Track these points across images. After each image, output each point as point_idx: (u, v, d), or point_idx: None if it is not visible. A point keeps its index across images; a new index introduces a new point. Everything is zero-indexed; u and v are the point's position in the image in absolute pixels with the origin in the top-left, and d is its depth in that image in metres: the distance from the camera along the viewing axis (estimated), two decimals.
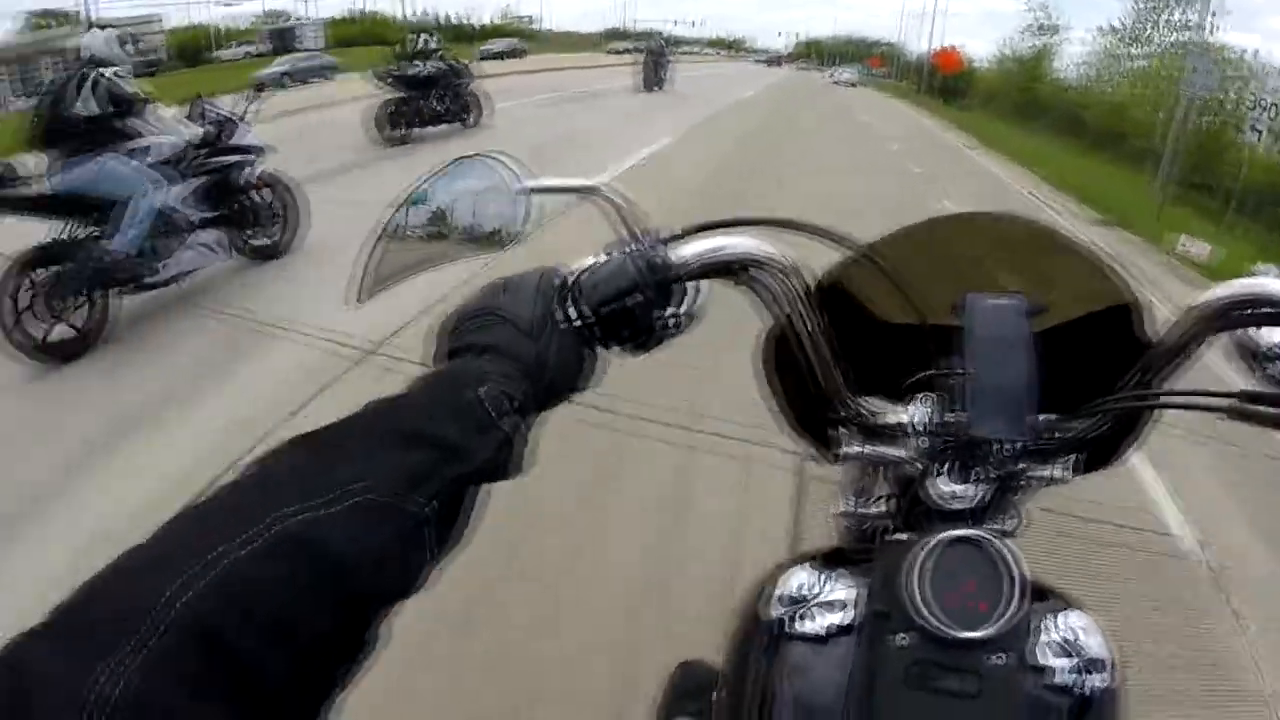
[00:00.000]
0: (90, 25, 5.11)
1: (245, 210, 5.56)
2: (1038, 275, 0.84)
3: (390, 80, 11.61)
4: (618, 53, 48.80)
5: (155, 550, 0.45)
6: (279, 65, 28.36)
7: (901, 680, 0.61)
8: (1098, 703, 0.64)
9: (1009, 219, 0.92)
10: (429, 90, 11.93)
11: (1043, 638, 0.65)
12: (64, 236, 4.52)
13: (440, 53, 12.47)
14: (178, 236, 4.92)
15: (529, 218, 0.78)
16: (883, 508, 0.89)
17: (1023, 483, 0.82)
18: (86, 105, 4.51)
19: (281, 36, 42.32)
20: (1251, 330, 0.73)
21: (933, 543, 0.67)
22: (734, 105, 21.83)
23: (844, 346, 0.81)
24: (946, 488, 0.77)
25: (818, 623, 0.69)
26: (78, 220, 4.58)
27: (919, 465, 0.79)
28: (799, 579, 0.73)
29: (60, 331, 4.33)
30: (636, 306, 0.70)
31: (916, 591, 0.64)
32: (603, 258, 0.73)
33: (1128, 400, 0.76)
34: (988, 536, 0.67)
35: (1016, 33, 40.18)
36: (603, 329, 0.70)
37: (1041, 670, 0.64)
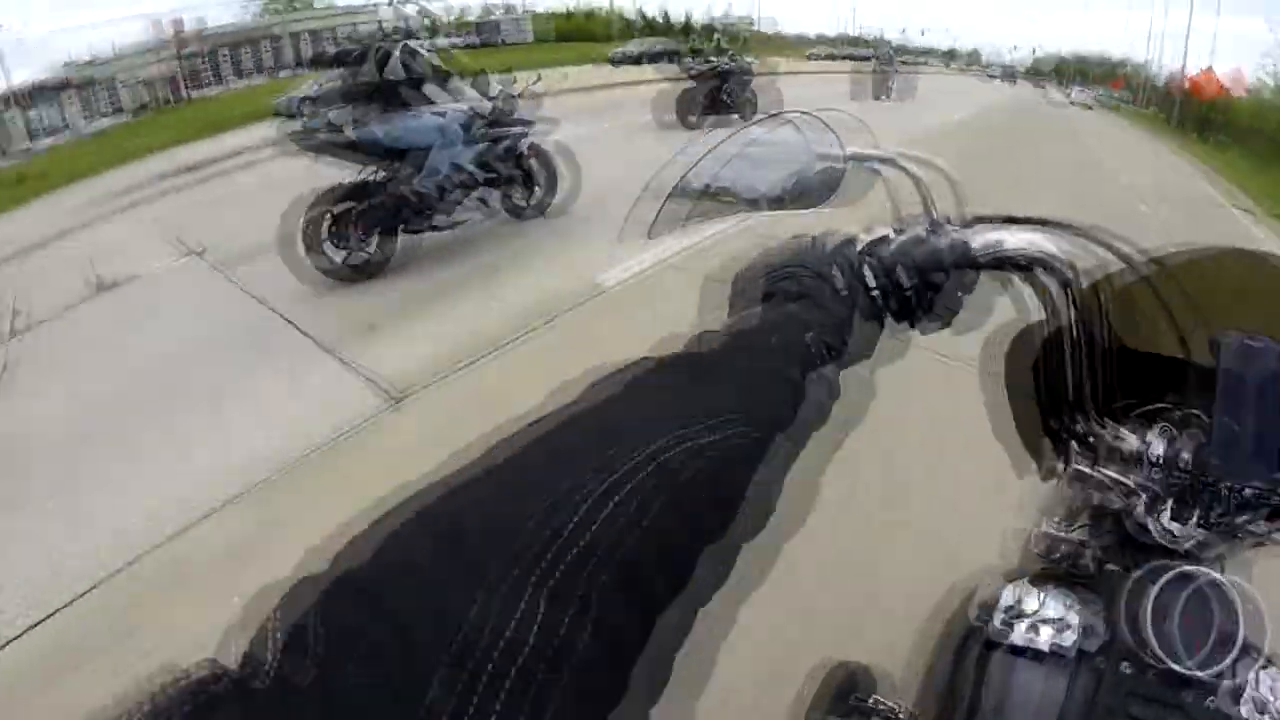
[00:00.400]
0: (391, 2, 5.90)
1: (515, 175, 6.18)
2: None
3: (694, 73, 12.59)
4: (818, 58, 44.13)
5: (538, 476, 0.43)
6: None
7: (1121, 708, 0.63)
8: None
9: (1273, 260, 0.89)
10: (722, 84, 12.68)
11: (1253, 690, 0.66)
12: (362, 179, 5.30)
13: (731, 52, 13.41)
14: (463, 190, 5.59)
15: (841, 183, 0.78)
16: (1083, 535, 0.87)
17: (1239, 535, 0.81)
18: (394, 71, 5.22)
19: (480, 30, 42.12)
20: None
21: (1169, 577, 0.68)
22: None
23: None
24: (1170, 526, 0.76)
25: (1041, 638, 0.70)
26: (375, 165, 5.29)
27: (1141, 497, 0.78)
28: (1018, 593, 0.74)
29: (355, 258, 5.16)
30: (934, 287, 0.70)
31: (1146, 623, 0.65)
32: (899, 228, 0.72)
33: None
34: (1229, 580, 0.68)
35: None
36: (898, 303, 0.70)
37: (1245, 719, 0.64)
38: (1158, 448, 0.77)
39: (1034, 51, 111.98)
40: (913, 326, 0.72)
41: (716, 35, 13.54)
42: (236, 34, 22.67)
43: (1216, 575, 0.68)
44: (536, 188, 6.52)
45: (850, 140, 0.79)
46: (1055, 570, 0.81)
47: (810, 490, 0.62)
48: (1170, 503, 0.76)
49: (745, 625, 2.12)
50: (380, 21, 5.76)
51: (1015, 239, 0.72)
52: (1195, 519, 0.74)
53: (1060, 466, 0.84)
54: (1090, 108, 54.93)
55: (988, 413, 0.90)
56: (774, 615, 2.34)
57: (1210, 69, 32.80)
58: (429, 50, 5.58)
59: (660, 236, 0.80)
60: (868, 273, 0.68)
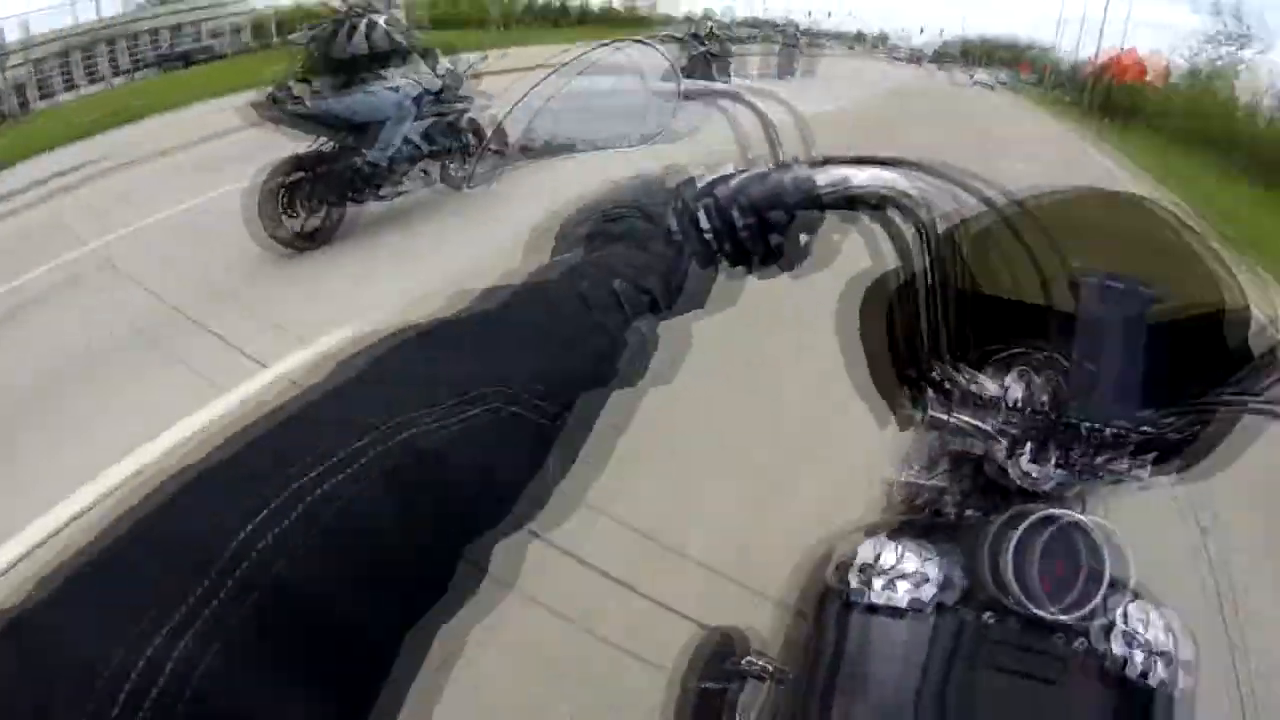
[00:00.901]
0: None
1: (455, 148, 6.52)
2: (1157, 266, 0.82)
3: (690, 55, 14.68)
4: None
5: (222, 478, 0.37)
6: None
7: (981, 658, 0.62)
8: (1171, 696, 0.65)
9: (1137, 202, 0.90)
10: (710, 64, 14.94)
11: (1124, 627, 0.66)
12: (314, 150, 5.62)
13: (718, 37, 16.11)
14: (409, 162, 5.92)
15: (673, 116, 0.76)
16: (943, 482, 0.88)
17: (1102, 474, 0.83)
18: (358, 46, 5.50)
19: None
20: None
21: (1028, 523, 0.67)
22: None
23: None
24: (1029, 469, 0.76)
25: (898, 594, 0.69)
26: (332, 137, 5.62)
27: (1002, 442, 0.77)
28: (874, 549, 0.73)
29: (309, 224, 5.52)
30: (775, 224, 0.68)
31: (1007, 571, 0.64)
32: (742, 169, 0.70)
33: (1247, 401, 0.75)
34: (1090, 521, 0.67)
35: (1199, 42, 34.10)
36: (733, 244, 0.68)
37: (1121, 661, 0.64)
38: (1016, 391, 0.78)
39: (941, 34, 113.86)
40: (749, 271, 0.70)
41: (709, 24, 15.91)
42: (86, 33, 19.92)
43: (1077, 516, 0.68)
44: (471, 160, 6.83)
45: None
46: (915, 522, 0.80)
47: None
48: (1029, 446, 0.76)
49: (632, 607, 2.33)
50: None
51: (865, 175, 0.70)
52: (1054, 461, 0.75)
53: (918, 415, 0.84)
54: (993, 88, 56.85)
55: (844, 363, 0.89)
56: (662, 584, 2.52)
57: (1134, 50, 33.00)
58: (389, 25, 5.81)
59: (479, 186, 1.03)
60: (701, 214, 0.66)
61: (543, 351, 0.49)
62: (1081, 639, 0.63)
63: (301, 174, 5.43)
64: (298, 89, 5.58)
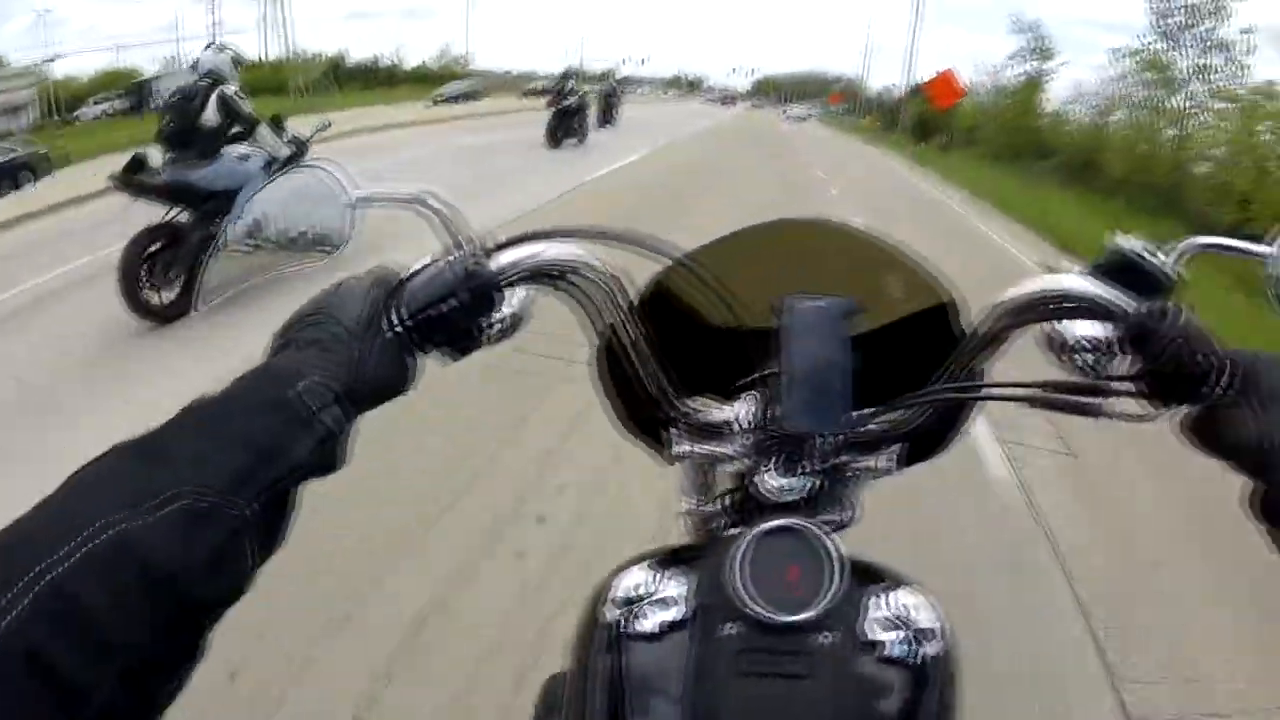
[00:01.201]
0: (209, 45, 6.24)
1: None
2: (857, 279, 0.89)
3: (557, 110, 17.49)
4: (535, 93, 45.61)
5: None
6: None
7: (732, 667, 0.65)
8: (930, 671, 0.70)
9: (830, 225, 0.98)
10: (573, 116, 17.75)
11: (871, 614, 0.70)
12: (171, 220, 5.70)
13: (580, 93, 18.17)
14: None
15: (355, 227, 0.80)
16: (716, 506, 0.94)
17: (850, 475, 0.89)
18: (210, 116, 5.64)
19: (141, 90, 36.00)
20: (1059, 324, 0.78)
21: (751, 534, 0.71)
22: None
23: (676, 349, 0.87)
24: (775, 482, 0.82)
25: (651, 621, 0.72)
26: (186, 208, 5.72)
27: (746, 461, 0.84)
28: (633, 579, 0.76)
29: (166, 297, 5.54)
30: (452, 312, 0.72)
31: (739, 581, 0.67)
32: (428, 262, 0.75)
33: (936, 393, 0.82)
34: (803, 524, 0.72)
35: (1004, 60, 38.13)
36: (419, 334, 0.72)
37: (872, 645, 0.69)
38: (744, 413, 0.84)
39: (752, 74, 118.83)
40: (458, 353, 0.76)
41: (571, 82, 17.76)
42: None
43: (800, 522, 0.72)
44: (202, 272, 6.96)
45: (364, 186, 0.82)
46: (682, 548, 0.84)
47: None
48: (772, 460, 0.82)
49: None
50: (195, 65, 6.17)
51: (533, 251, 0.77)
52: (798, 471, 0.81)
53: (667, 452, 0.91)
54: (805, 119, 63.37)
55: (609, 419, 0.95)
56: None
57: (949, 71, 33.06)
58: (238, 95, 5.95)
59: (210, 303, 0.81)
60: (392, 311, 0.71)
61: (226, 455, 0.54)
62: (827, 634, 0.66)
63: (163, 245, 5.49)
64: (153, 160, 5.68)
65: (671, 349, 0.87)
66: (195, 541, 0.50)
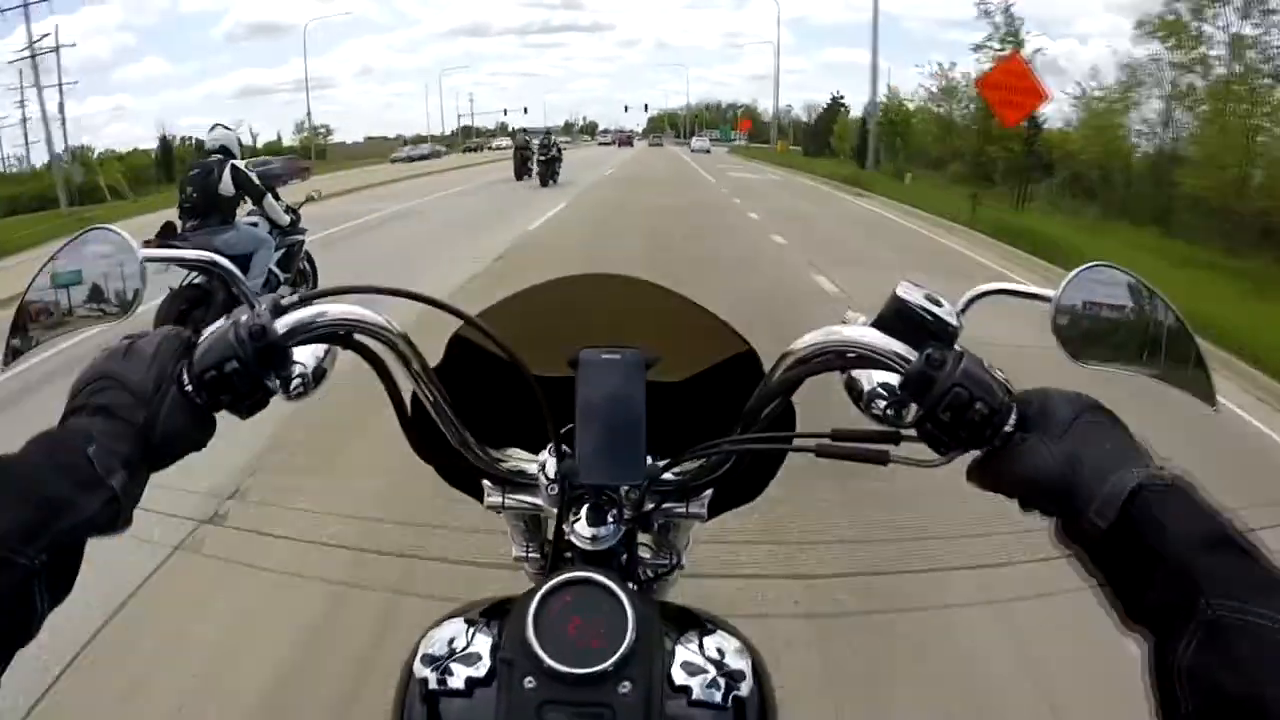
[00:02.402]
0: (215, 125, 7.08)
1: (297, 275, 7.65)
2: (658, 331, 0.94)
3: (544, 160, 25.24)
4: (407, 160, 53.51)
5: None
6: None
7: None
8: (741, 708, 0.74)
9: (630, 281, 1.02)
10: (555, 163, 25.46)
11: (680, 659, 0.74)
12: (193, 282, 6.45)
13: (560, 145, 26.99)
14: (270, 289, 6.83)
15: (144, 287, 0.81)
16: (538, 553, 0.99)
17: (663, 522, 0.95)
18: (226, 187, 6.57)
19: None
20: (857, 373, 0.81)
21: (546, 587, 0.72)
22: None
23: (485, 402, 0.91)
24: (585, 531, 0.84)
25: (458, 677, 0.74)
26: (207, 271, 6.39)
27: (554, 511, 0.85)
28: (446, 634, 0.79)
29: None
30: (234, 374, 0.73)
31: (532, 635, 0.68)
32: (219, 324, 0.76)
33: (726, 444, 0.85)
34: (595, 575, 0.73)
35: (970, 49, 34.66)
36: (208, 393, 0.73)
37: (680, 689, 0.72)
38: (549, 465, 0.86)
39: (645, 109, 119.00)
40: (247, 411, 0.76)
41: (545, 134, 27.33)
42: None
43: (596, 574, 0.73)
44: (307, 284, 7.76)
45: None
46: (499, 599, 0.86)
47: None
48: (584, 510, 0.84)
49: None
50: (204, 142, 7.08)
51: (317, 311, 0.78)
52: (607, 521, 0.84)
53: (483, 502, 0.94)
54: (709, 151, 64.60)
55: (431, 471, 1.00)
56: None
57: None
58: (248, 169, 6.93)
59: (17, 362, 0.83)
60: (183, 372, 0.72)
61: (16, 509, 0.59)
62: (627, 683, 0.66)
63: (195, 306, 6.28)
64: (179, 227, 6.59)
65: (480, 402, 0.90)
66: None
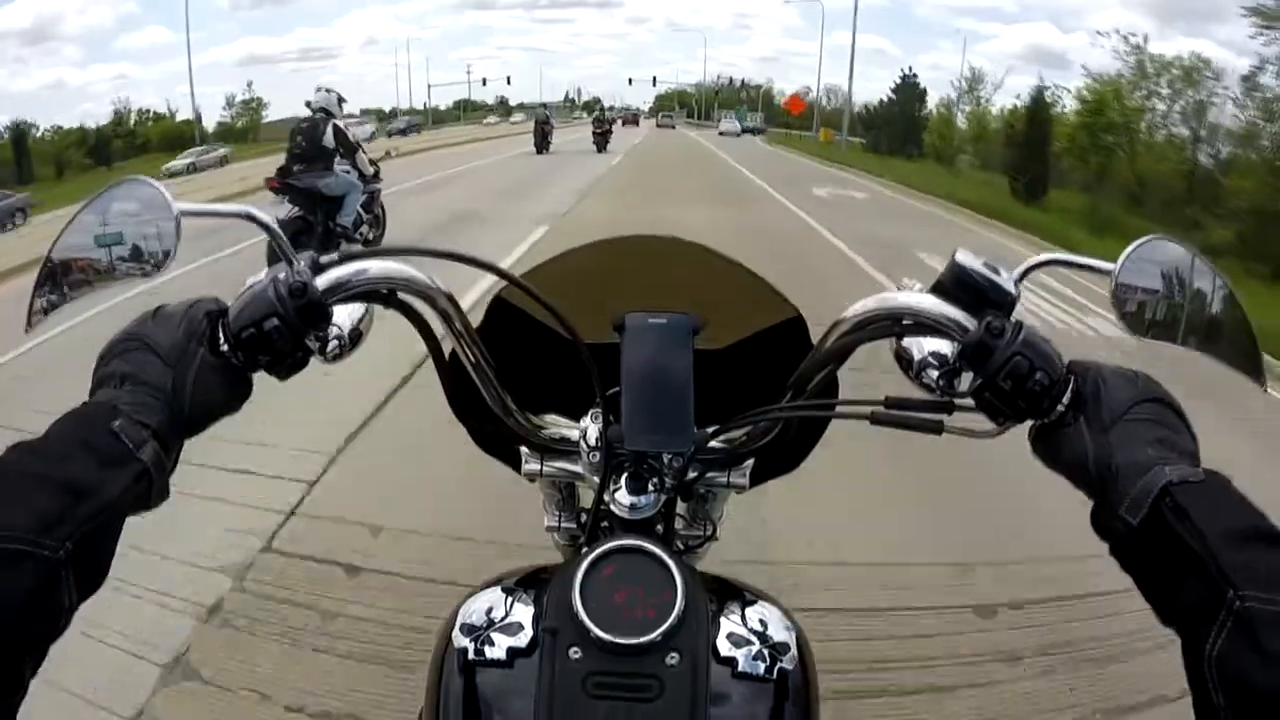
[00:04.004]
0: (319, 88, 8.85)
1: (372, 218, 9.52)
2: (704, 296, 0.96)
3: (599, 132, 30.24)
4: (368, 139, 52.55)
5: None
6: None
7: (580, 692, 0.68)
8: (787, 684, 0.75)
9: (676, 242, 1.04)
10: (607, 135, 30.40)
11: (724, 631, 0.76)
12: (298, 215, 8.36)
13: (610, 119, 32.87)
14: (356, 227, 8.81)
15: (179, 241, 0.80)
16: (574, 523, 1.04)
17: (704, 491, 0.98)
18: (328, 140, 8.54)
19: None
20: (907, 341, 0.82)
21: (593, 555, 0.74)
22: None
23: (525, 366, 0.94)
24: (625, 500, 0.87)
25: (499, 647, 0.75)
26: (305, 206, 8.42)
27: (596, 479, 0.89)
28: (484, 603, 0.80)
29: None
30: (274, 331, 0.73)
31: (579, 604, 0.70)
32: (258, 280, 0.76)
33: (775, 411, 0.88)
34: (645, 544, 0.76)
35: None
36: (245, 353, 0.74)
37: (726, 661, 0.74)
38: (591, 431, 0.89)
39: (654, 83, 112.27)
40: (285, 372, 0.77)
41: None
42: None
43: (645, 542, 0.75)
44: (378, 228, 9.52)
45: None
46: (536, 568, 0.89)
47: None
48: (624, 478, 0.88)
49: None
50: (308, 103, 8.86)
51: (359, 268, 0.79)
52: (649, 488, 0.87)
53: (521, 470, 0.99)
54: (739, 135, 57.43)
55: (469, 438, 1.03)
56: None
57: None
58: (346, 127, 8.81)
59: (39, 327, 0.81)
60: (219, 332, 0.73)
61: (40, 497, 0.58)
62: (674, 653, 0.68)
63: (299, 234, 8.19)
64: (291, 170, 8.47)
65: (521, 366, 0.94)
66: (8, 584, 0.55)
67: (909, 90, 45.41)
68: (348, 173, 8.85)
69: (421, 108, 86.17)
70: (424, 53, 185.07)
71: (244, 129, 53.17)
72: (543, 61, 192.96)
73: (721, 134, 59.26)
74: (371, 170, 9.27)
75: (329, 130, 8.60)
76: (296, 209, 8.28)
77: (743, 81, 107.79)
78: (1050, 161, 24.66)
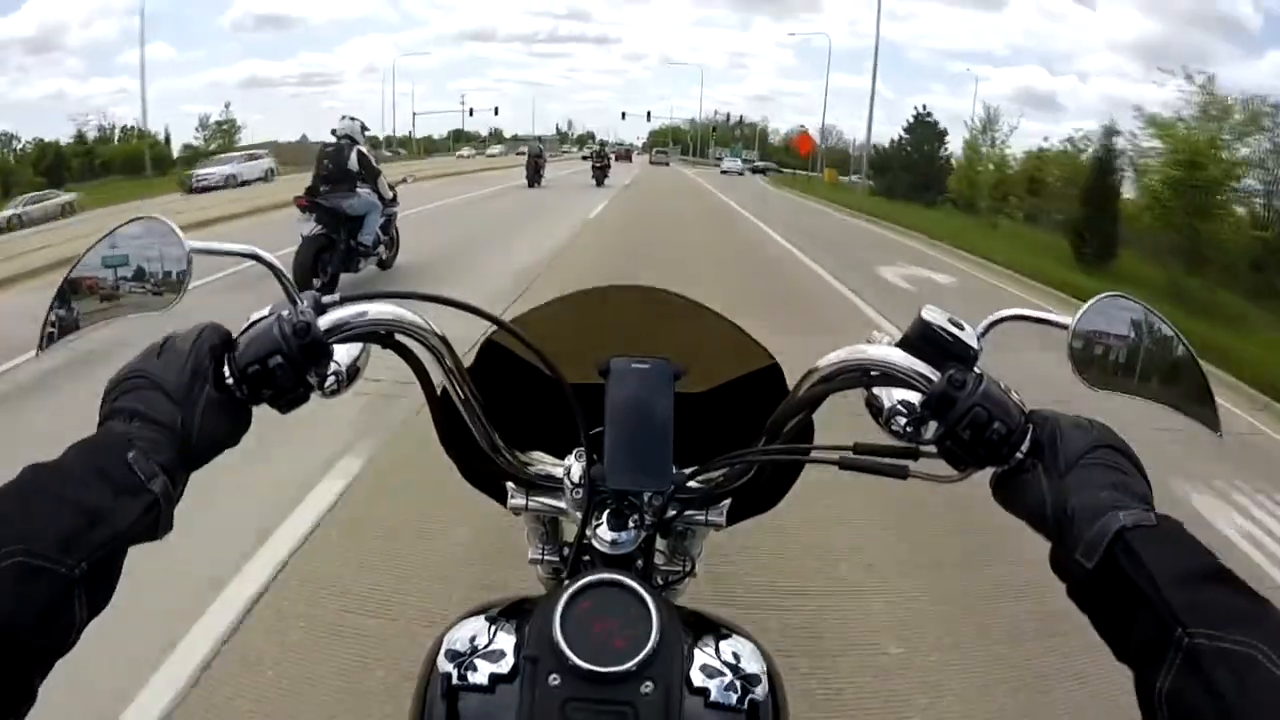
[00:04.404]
0: (343, 117, 9.66)
1: (388, 240, 10.34)
2: (685, 342, 1.01)
3: (597, 166, 31.69)
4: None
5: None
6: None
7: (559, 717, 0.72)
8: (756, 712, 0.79)
9: (657, 292, 1.10)
10: (605, 169, 32.18)
11: (699, 662, 0.79)
12: (320, 234, 9.05)
13: (609, 153, 36.48)
14: (373, 247, 9.74)
15: (189, 278, 0.84)
16: (555, 557, 1.09)
17: (682, 529, 1.04)
18: (353, 164, 9.40)
19: None
20: (878, 390, 0.88)
21: (574, 588, 0.78)
22: None
23: (513, 406, 0.99)
24: (607, 535, 0.93)
25: (481, 673, 0.79)
26: (329, 224, 9.14)
27: (580, 516, 0.94)
28: (468, 631, 0.84)
29: (320, 281, 8.85)
30: (278, 368, 0.77)
31: (558, 633, 0.74)
32: (260, 317, 0.81)
33: (750, 455, 0.94)
34: (622, 577, 0.80)
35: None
36: (249, 387, 0.77)
37: (699, 691, 0.77)
38: (575, 469, 0.95)
39: (649, 117, 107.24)
40: (287, 406, 0.81)
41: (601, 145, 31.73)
42: None
43: (622, 576, 0.80)
44: (393, 248, 10.34)
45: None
46: (520, 598, 0.92)
47: None
48: (606, 514, 0.93)
49: None
50: (333, 130, 9.72)
51: (361, 310, 0.84)
52: (628, 526, 0.93)
53: (507, 504, 1.04)
54: (742, 174, 56.31)
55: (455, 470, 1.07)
56: None
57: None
58: (369, 153, 9.68)
59: (53, 347, 0.84)
60: (223, 365, 0.77)
61: (60, 517, 0.62)
62: (649, 682, 0.72)
63: (323, 252, 8.95)
64: (319, 190, 9.25)
65: (509, 405, 0.99)
66: (27, 597, 0.58)
67: (925, 130, 41.62)
68: (370, 195, 9.59)
69: (406, 135, 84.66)
70: (423, 82, 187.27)
71: (216, 152, 48.62)
72: (539, 95, 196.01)
73: (724, 173, 57.81)
74: (390, 194, 10.07)
75: (354, 155, 9.39)
76: (321, 226, 9.00)
77: (740, 119, 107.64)
78: (1119, 220, 21.07)
